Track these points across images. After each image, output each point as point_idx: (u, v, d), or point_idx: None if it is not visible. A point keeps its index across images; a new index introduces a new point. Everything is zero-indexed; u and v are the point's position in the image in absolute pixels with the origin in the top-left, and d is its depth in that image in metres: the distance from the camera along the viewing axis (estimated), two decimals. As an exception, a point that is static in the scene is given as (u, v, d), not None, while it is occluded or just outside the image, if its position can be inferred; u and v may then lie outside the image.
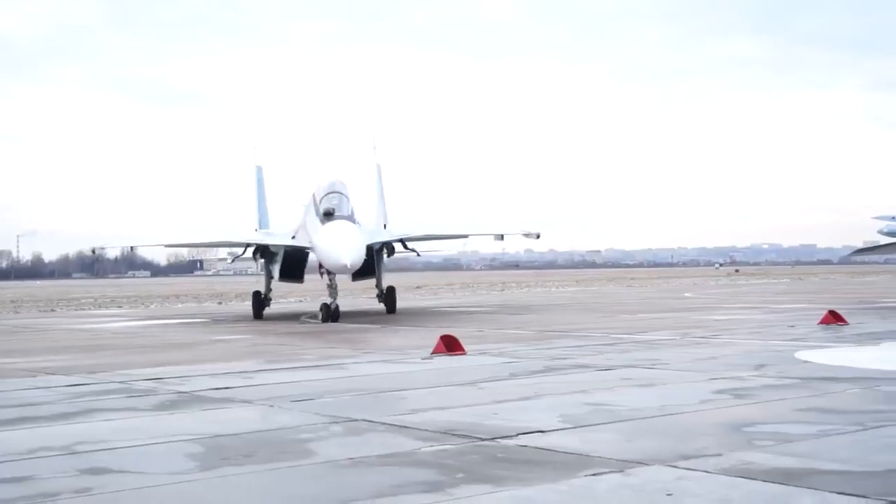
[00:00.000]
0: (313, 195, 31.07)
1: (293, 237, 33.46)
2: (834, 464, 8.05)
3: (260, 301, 35.70)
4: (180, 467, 8.63)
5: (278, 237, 35.78)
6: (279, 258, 34.37)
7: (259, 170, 44.15)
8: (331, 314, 30.22)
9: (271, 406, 12.37)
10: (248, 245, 37.62)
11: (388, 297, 36.10)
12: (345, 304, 35.77)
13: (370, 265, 32.76)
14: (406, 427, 10.36)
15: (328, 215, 29.50)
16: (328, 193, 30.27)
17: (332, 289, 30.80)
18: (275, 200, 44.16)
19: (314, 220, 30.34)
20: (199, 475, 8.33)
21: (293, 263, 34.53)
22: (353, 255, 28.22)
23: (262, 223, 43.07)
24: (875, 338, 20.37)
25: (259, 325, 31.75)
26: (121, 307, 50.60)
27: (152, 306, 50.63)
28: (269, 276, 35.80)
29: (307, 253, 33.33)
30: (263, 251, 35.95)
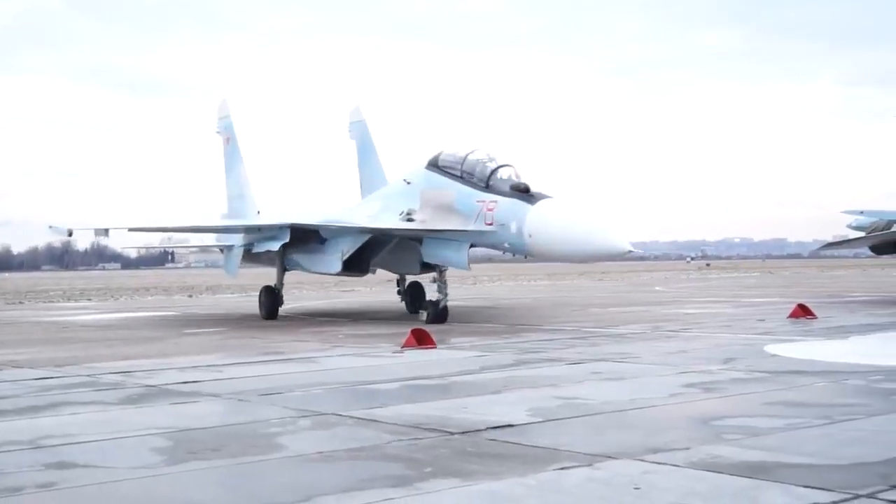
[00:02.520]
0: (459, 163, 24.99)
1: (364, 217, 27.52)
2: (801, 457, 8.09)
3: (274, 298, 29.96)
4: (147, 461, 8.56)
5: (357, 218, 28.02)
6: (348, 246, 27.53)
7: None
8: (438, 313, 25.40)
9: (240, 400, 12.30)
10: (306, 228, 28.49)
11: (413, 293, 31.48)
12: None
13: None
14: (375, 421, 10.33)
15: (523, 191, 23.13)
16: (501, 166, 24.16)
17: (443, 283, 25.87)
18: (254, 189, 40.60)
19: (470, 196, 24.23)
20: (165, 469, 8.26)
21: (365, 252, 27.71)
22: (629, 237, 22.91)
23: (234, 209, 36.51)
24: (843, 331, 20.52)
25: (232, 318, 31.55)
26: (90, 300, 50.25)
27: (122, 299, 50.31)
28: (283, 269, 30.39)
29: (392, 238, 27.05)
30: (298, 238, 28.34)
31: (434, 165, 25.73)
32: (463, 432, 9.54)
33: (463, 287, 52.14)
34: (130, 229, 30.28)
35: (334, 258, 27.97)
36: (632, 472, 7.66)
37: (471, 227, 23.95)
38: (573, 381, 13.45)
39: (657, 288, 50.20)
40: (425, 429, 9.77)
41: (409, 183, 26.49)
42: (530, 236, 22.64)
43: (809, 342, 18.49)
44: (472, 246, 24.89)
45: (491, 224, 23.53)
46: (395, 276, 32.45)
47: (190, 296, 52.39)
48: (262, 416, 10.93)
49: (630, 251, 22.40)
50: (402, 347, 18.48)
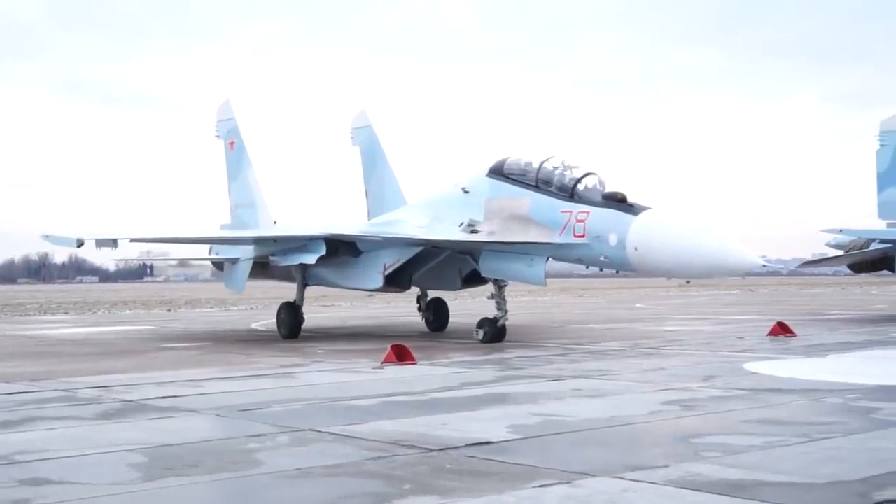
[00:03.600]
0: (533, 170, 23.18)
1: (414, 228, 25.34)
2: (779, 475, 8.10)
3: (296, 315, 27.79)
4: (123, 478, 8.49)
5: (402, 228, 25.78)
6: (391, 259, 25.49)
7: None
8: (496, 332, 23.68)
9: (218, 415, 12.23)
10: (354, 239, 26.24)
11: (436, 310, 29.42)
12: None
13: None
14: (354, 437, 10.29)
15: (620, 200, 21.27)
16: (587, 174, 22.37)
17: (502, 300, 24.09)
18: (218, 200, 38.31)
19: (544, 204, 22.48)
20: (142, 486, 8.20)
21: (407, 266, 25.70)
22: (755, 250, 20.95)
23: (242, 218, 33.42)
24: (822, 350, 20.60)
25: (211, 332, 31.41)
26: (67, 313, 49.92)
27: (100, 312, 50.01)
28: (304, 284, 28.09)
29: (442, 251, 25.18)
30: (336, 250, 26.01)
31: (498, 173, 23.85)
32: (442, 449, 9.51)
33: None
34: (132, 240, 27.95)
35: (374, 272, 25.79)
36: (610, 490, 7.65)
37: (555, 240, 22.03)
38: (553, 397, 13.44)
39: (637, 305, 50.29)
40: (404, 445, 9.73)
41: (467, 191, 24.46)
42: (636, 249, 20.70)
43: (788, 360, 18.55)
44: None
45: (582, 236, 21.64)
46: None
47: (169, 310, 52.12)
48: (240, 431, 10.87)
49: (764, 265, 20.89)
50: (382, 363, 18.42)
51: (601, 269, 23.35)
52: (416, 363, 18.39)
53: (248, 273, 28.58)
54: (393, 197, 30.07)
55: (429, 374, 16.88)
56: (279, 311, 28.33)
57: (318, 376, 16.94)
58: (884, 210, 34.10)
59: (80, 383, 16.08)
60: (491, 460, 8.97)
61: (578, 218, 21.80)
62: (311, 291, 30.45)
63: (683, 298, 60.23)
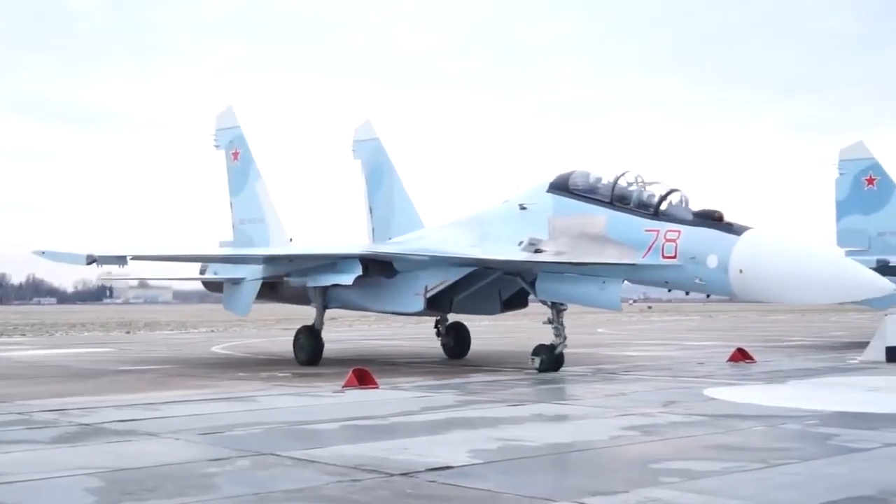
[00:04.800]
0: (606, 186, 21.45)
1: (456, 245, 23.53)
2: (737, 500, 8.15)
3: (316, 340, 26.05)
4: (80, 503, 8.38)
5: (448, 247, 23.74)
6: (434, 280, 23.73)
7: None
8: (554, 360, 22.27)
9: (177, 439, 12.12)
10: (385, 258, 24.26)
11: (457, 335, 28.22)
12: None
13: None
14: (314, 462, 10.23)
15: (717, 219, 19.80)
16: (672, 191, 20.76)
17: (560, 326, 22.56)
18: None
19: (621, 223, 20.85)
20: (98, 510, 8.10)
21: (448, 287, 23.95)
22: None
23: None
24: (782, 376, 20.78)
25: (171, 356, 31.11)
26: (24, 335, 49.30)
27: (58, 335, 49.43)
28: (325, 307, 26.35)
29: (493, 271, 23.56)
30: (365, 270, 24.12)
31: (562, 189, 22.04)
32: (402, 474, 9.49)
33: (406, 326, 52.02)
34: (133, 257, 24.33)
35: (411, 294, 23.99)
36: (570, 515, 7.65)
37: (639, 261, 20.38)
38: (514, 422, 13.46)
39: (599, 330, 50.45)
40: (364, 470, 9.70)
41: (524, 208, 22.57)
42: (741, 272, 19.09)
43: (748, 386, 18.70)
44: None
45: (673, 257, 20.00)
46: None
47: (128, 332, 51.64)
48: (200, 456, 10.78)
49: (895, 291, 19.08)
50: (343, 387, 18.35)
51: (686, 293, 22.11)
52: (377, 387, 18.33)
53: (255, 294, 26.74)
54: (405, 215, 28.39)
55: (390, 398, 16.84)
56: (297, 335, 26.37)
57: (279, 400, 16.85)
58: (842, 238, 34.50)
59: (37, 406, 15.88)
60: (451, 485, 8.96)
61: (668, 237, 20.13)
62: (290, 310, 29.98)
63: (645, 324, 60.54)
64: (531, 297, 24.30)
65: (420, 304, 23.92)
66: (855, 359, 24.82)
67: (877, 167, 34.35)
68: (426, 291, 23.72)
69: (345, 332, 47.20)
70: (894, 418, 13.52)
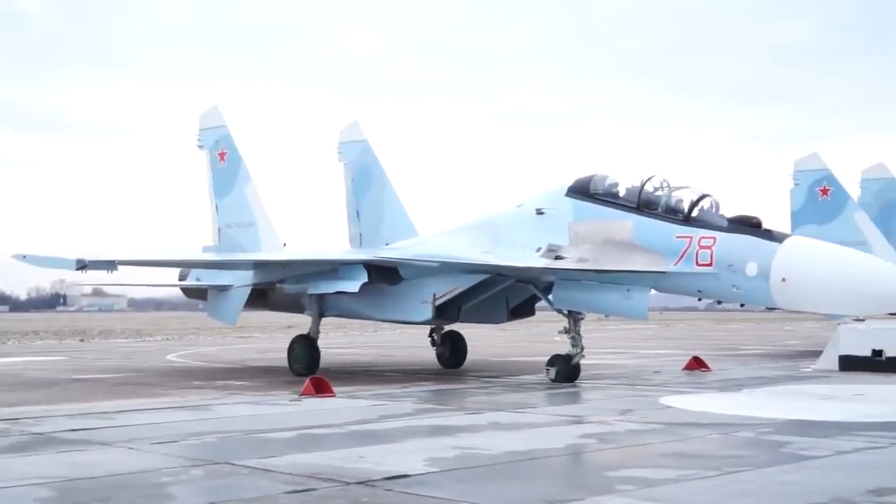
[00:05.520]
0: (632, 191, 20.64)
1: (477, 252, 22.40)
2: (692, 508, 8.20)
3: (313, 349, 24.85)
4: (30, 512, 8.27)
5: (455, 252, 22.82)
6: (443, 288, 22.80)
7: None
8: (570, 371, 21.46)
9: (131, 448, 11.99)
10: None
11: (454, 344, 27.13)
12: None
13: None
14: (270, 470, 10.17)
15: (755, 226, 19.12)
16: (703, 196, 20.05)
17: (577, 335, 21.72)
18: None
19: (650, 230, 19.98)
20: (49, 521, 7.99)
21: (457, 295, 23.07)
22: None
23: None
24: (736, 384, 20.95)
25: (125, 364, 30.78)
26: (-23, 343, 48.58)
27: (9, 343, 48.76)
28: (321, 315, 25.34)
29: (505, 279, 22.71)
30: (380, 276, 23.21)
31: (582, 193, 21.24)
32: (359, 482, 9.46)
33: (364, 335, 51.89)
34: (119, 262, 22.92)
35: (418, 303, 23.01)
36: (526, 524, 7.66)
37: (671, 269, 19.59)
38: (471, 430, 13.46)
39: (556, 338, 50.70)
40: (320, 478, 9.65)
41: (541, 212, 21.70)
42: (783, 280, 18.27)
43: (703, 394, 18.84)
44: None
45: (709, 264, 19.15)
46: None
47: (82, 340, 51.05)
48: (153, 465, 10.67)
49: None
50: (300, 395, 18.26)
51: (718, 303, 21.28)
52: (334, 395, 18.26)
53: (243, 302, 25.68)
54: (396, 220, 27.31)
55: (347, 406, 16.78)
56: (292, 345, 25.24)
57: (235, 408, 16.73)
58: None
59: (-12, 415, 15.64)
60: (408, 493, 8.94)
61: (702, 244, 19.30)
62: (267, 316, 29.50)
63: (602, 332, 60.84)
64: (539, 304, 23.87)
65: (428, 313, 22.98)
66: (808, 367, 25.09)
67: (830, 178, 34.77)
68: (434, 299, 22.76)
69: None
70: (847, 426, 13.68)
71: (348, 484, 9.39)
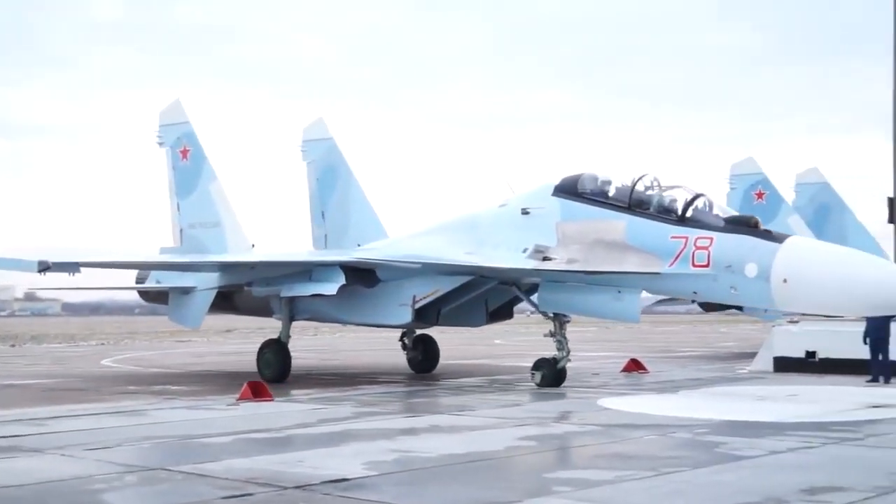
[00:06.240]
0: (623, 190, 20.19)
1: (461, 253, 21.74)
2: (628, 509, 8.26)
3: (284, 354, 24.07)
4: (-43, 521, 8.08)
5: (439, 253, 22.05)
6: (422, 290, 22.15)
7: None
8: (556, 374, 20.93)
9: (63, 455, 11.77)
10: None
11: (426, 348, 26.76)
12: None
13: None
14: (206, 476, 10.05)
15: (752, 225, 18.77)
16: (698, 195, 19.61)
17: (563, 339, 21.27)
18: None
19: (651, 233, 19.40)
20: (-23, 529, 7.82)
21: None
22: None
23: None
24: (673, 386, 21.17)
25: (58, 369, 30.26)
26: None
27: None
28: (292, 318, 24.49)
29: (488, 280, 22.17)
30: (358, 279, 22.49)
31: (570, 192, 20.69)
32: (297, 486, 9.39)
33: (303, 338, 51.58)
34: (82, 264, 21.92)
35: (397, 305, 22.29)
36: (464, 526, 7.66)
37: (666, 270, 19.04)
38: (410, 434, 13.44)
39: (497, 341, 50.79)
40: (257, 483, 9.56)
41: (527, 212, 21.13)
42: (785, 281, 17.71)
43: (641, 396, 19.00)
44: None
45: (705, 265, 18.61)
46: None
47: (13, 345, 50.05)
48: (87, 472, 10.49)
49: None
50: (238, 400, 18.08)
51: (705, 308, 20.58)
52: (272, 400, 18.11)
53: (208, 305, 24.86)
54: (364, 221, 26.49)
55: (285, 410, 16.66)
56: (262, 350, 24.35)
57: (171, 414, 16.51)
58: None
59: (-85, 422, 15.27)
60: (346, 497, 8.90)
61: (699, 245, 18.74)
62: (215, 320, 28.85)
63: (542, 335, 61.22)
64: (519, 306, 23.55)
65: (407, 316, 22.29)
66: (744, 369, 25.45)
67: (766, 182, 35.35)
68: (414, 302, 22.05)
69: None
70: (780, 427, 13.88)
71: (286, 488, 9.32)
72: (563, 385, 20.64)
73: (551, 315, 21.30)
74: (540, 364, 21.09)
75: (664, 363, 29.24)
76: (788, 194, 36.98)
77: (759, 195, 35.40)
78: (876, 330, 21.12)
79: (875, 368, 21.28)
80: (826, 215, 37.20)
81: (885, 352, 21.21)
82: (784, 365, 24.19)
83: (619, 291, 19.98)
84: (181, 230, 28.03)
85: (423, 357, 26.44)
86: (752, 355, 26.44)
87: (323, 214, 27.20)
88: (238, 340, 50.69)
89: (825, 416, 15.29)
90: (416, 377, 24.43)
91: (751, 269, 18.10)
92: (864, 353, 21.53)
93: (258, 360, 24.23)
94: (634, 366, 25.20)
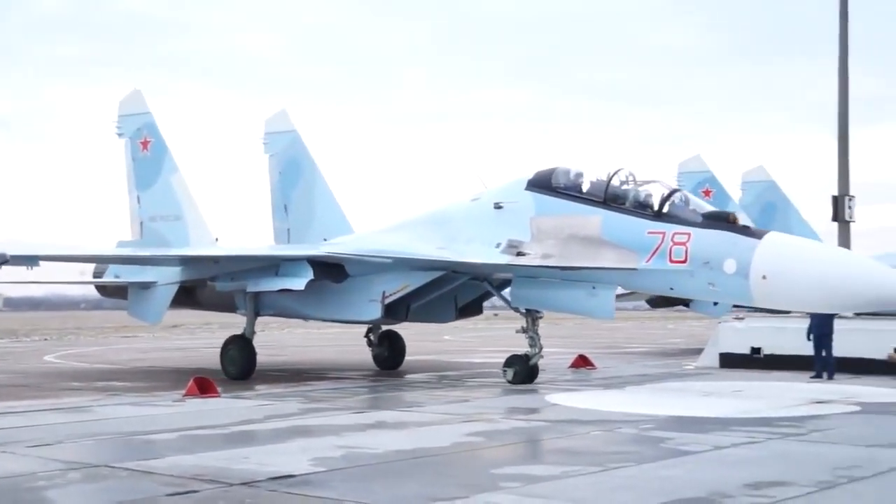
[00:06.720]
0: (598, 185, 19.81)
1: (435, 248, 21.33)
2: (573, 503, 8.31)
3: (250, 351, 23.37)
4: None
5: (411, 248, 21.53)
6: (392, 285, 21.72)
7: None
8: (529, 371, 20.74)
9: (4, 452, 11.57)
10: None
11: (392, 344, 26.38)
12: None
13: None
14: (150, 473, 9.94)
15: (729, 221, 18.48)
16: (675, 190, 19.53)
17: (536, 335, 20.98)
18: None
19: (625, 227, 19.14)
20: (-87, 528, 7.67)
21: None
22: None
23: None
24: (620, 382, 21.31)
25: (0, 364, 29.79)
26: None
27: None
28: (256, 314, 23.85)
29: (459, 276, 21.87)
30: (325, 273, 21.89)
31: (543, 187, 20.37)
32: (242, 483, 9.32)
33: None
34: (42, 257, 21.55)
35: (366, 301, 21.84)
36: (411, 522, 7.65)
37: (642, 265, 18.79)
38: (357, 430, 13.39)
39: (446, 337, 50.85)
40: (203, 480, 9.48)
41: (500, 206, 20.82)
42: (764, 278, 17.51)
43: (588, 392, 19.12)
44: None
45: (683, 261, 18.36)
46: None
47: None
48: (29, 469, 10.32)
49: None
50: (184, 396, 17.91)
51: (687, 305, 20.22)
52: (219, 396, 17.97)
53: (169, 300, 24.28)
54: (329, 215, 26.05)
55: (232, 406, 16.53)
56: (226, 346, 23.65)
57: (116, 410, 16.31)
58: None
59: None
60: (292, 494, 8.85)
61: (676, 240, 18.50)
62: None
63: (490, 331, 61.35)
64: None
65: (377, 312, 21.83)
66: (690, 365, 25.70)
67: (713, 180, 35.74)
68: (384, 298, 21.59)
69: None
70: (725, 422, 14.05)
71: (231, 485, 9.25)
72: (502, 380, 20.63)
73: (523, 311, 21.08)
74: (512, 361, 20.85)
75: (612, 359, 29.43)
76: (735, 192, 37.41)
77: (707, 193, 35.77)
78: (819, 326, 21.43)
79: (819, 365, 21.58)
80: (772, 213, 37.66)
81: (829, 348, 21.54)
82: (730, 361, 24.47)
83: (594, 287, 19.77)
84: (141, 223, 27.35)
85: (389, 353, 26.12)
86: (699, 351, 26.71)
87: (286, 208, 26.74)
88: (185, 336, 50.25)
89: (770, 411, 15.50)
90: (373, 373, 24.35)
91: (729, 266, 17.89)
92: (808, 349, 21.83)
93: (222, 356, 23.59)
94: (582, 362, 25.33)
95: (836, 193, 29.27)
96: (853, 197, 29.34)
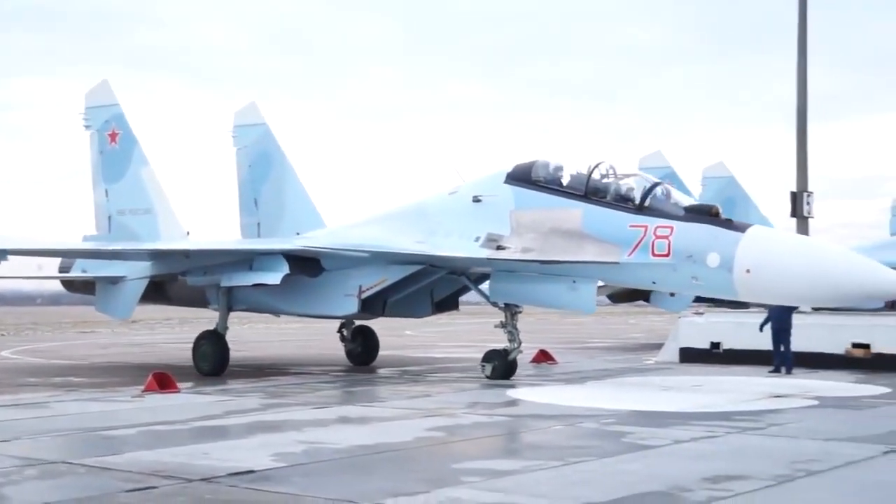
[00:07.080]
0: (579, 178, 19.63)
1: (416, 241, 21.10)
2: (535, 498, 8.34)
3: (223, 346, 22.93)
4: None
5: (389, 242, 21.38)
6: (369, 280, 21.43)
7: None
8: (507, 366, 20.44)
9: (-41, 448, 11.44)
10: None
11: (365, 340, 26.18)
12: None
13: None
14: (108, 469, 9.85)
15: (712, 214, 18.30)
16: (657, 184, 19.30)
17: (514, 330, 20.65)
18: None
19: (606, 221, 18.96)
20: None
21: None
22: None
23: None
24: (581, 376, 21.40)
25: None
26: None
27: None
28: (229, 309, 23.58)
29: (438, 270, 21.54)
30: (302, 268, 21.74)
31: (523, 180, 20.14)
32: (202, 479, 9.26)
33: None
34: (14, 251, 21.54)
35: (342, 295, 21.57)
36: (372, 517, 7.63)
37: (624, 259, 18.57)
38: (319, 425, 13.36)
39: (407, 332, 50.84)
40: (162, 476, 9.41)
41: (478, 200, 20.54)
42: (748, 272, 17.39)
43: (549, 387, 19.19)
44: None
45: (665, 255, 18.19)
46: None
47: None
48: (-17, 465, 10.20)
49: None
50: (143, 391, 17.77)
51: (671, 295, 20.20)
52: (178, 391, 17.85)
53: (139, 295, 23.85)
54: (300, 210, 25.60)
55: (192, 402, 16.43)
56: (198, 341, 23.25)
57: (73, 406, 16.14)
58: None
59: None
60: (253, 489, 8.81)
61: (659, 234, 18.34)
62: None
63: (452, 326, 61.41)
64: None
65: (353, 307, 21.55)
66: (650, 359, 25.87)
67: (673, 175, 35.68)
68: (360, 292, 21.33)
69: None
70: (685, 416, 14.14)
71: (191, 481, 9.18)
72: (464, 375, 20.68)
73: (502, 306, 20.84)
74: (491, 356, 20.60)
75: (573, 354, 29.56)
76: (696, 188, 37.65)
77: (668, 188, 35.96)
78: (778, 321, 21.65)
79: (777, 359, 21.79)
80: (732, 209, 37.77)
81: (787, 343, 21.75)
82: (689, 356, 24.66)
83: (575, 281, 19.57)
84: (109, 217, 26.78)
85: (362, 349, 25.89)
86: (659, 346, 26.88)
87: (256, 202, 26.29)
88: (145, 332, 49.84)
89: (729, 405, 15.63)
90: (340, 369, 24.27)
91: (713, 259, 17.75)
92: (767, 344, 22.02)
93: (194, 352, 23.17)
94: (543, 356, 25.40)
95: (794, 189, 29.56)
96: (811, 193, 29.66)
